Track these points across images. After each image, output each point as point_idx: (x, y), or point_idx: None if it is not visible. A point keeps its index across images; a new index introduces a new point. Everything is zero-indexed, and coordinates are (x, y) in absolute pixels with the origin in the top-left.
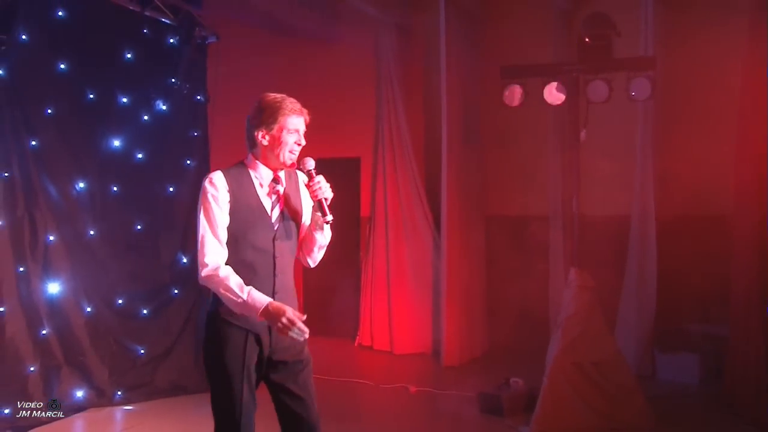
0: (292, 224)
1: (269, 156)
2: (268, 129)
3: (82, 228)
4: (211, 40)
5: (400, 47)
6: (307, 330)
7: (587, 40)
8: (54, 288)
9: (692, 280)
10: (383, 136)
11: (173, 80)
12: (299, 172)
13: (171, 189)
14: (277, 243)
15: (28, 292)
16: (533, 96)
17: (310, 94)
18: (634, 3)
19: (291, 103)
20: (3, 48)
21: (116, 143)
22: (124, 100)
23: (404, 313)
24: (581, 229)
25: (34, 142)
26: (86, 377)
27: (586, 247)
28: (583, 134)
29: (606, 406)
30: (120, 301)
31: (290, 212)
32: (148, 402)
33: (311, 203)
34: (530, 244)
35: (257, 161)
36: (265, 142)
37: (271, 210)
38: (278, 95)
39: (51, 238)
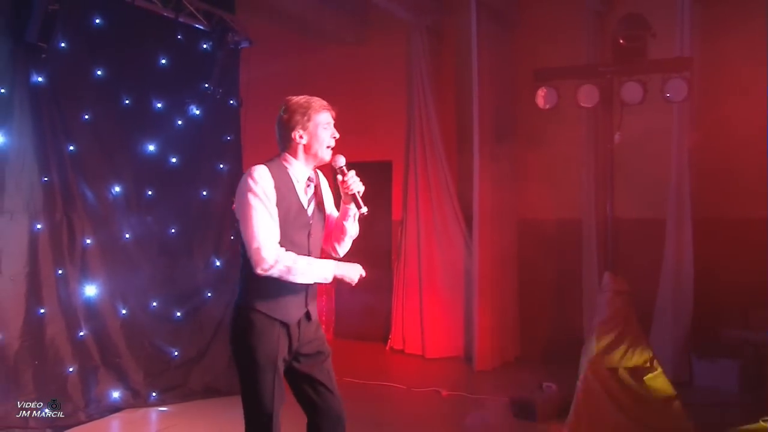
0: (322, 220)
1: (306, 154)
2: (305, 127)
3: (118, 231)
4: (244, 45)
5: (432, 50)
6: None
7: (621, 41)
8: (91, 290)
9: (731, 284)
10: (415, 140)
11: (206, 85)
12: (319, 171)
13: (204, 193)
14: (311, 239)
15: (67, 294)
16: (566, 98)
17: (341, 97)
18: (669, 3)
19: (319, 100)
20: (43, 56)
21: (151, 148)
22: (159, 105)
23: (436, 316)
24: (615, 232)
25: (72, 147)
26: (122, 378)
27: (621, 250)
28: (617, 136)
29: (641, 413)
30: (154, 304)
31: (320, 208)
32: (182, 403)
33: (331, 196)
34: (563, 248)
35: (294, 159)
36: (303, 141)
37: (307, 206)
38: (302, 96)
39: (88, 241)
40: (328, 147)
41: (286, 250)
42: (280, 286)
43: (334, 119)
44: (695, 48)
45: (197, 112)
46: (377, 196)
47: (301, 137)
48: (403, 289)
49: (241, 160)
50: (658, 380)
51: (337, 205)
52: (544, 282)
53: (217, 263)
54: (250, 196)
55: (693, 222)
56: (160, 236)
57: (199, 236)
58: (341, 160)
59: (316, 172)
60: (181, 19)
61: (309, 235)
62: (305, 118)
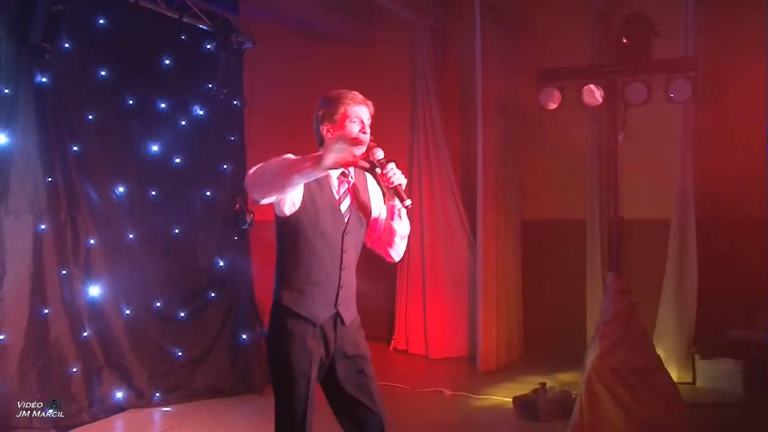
0: (361, 221)
1: None
2: (332, 122)
3: (122, 232)
4: (248, 45)
5: (436, 51)
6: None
7: (625, 41)
8: (95, 291)
9: (735, 285)
10: (419, 140)
11: (210, 85)
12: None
13: (208, 193)
14: (345, 237)
15: (71, 294)
16: (570, 99)
17: None
18: (673, 3)
19: (352, 94)
20: (48, 57)
21: (155, 148)
22: (163, 105)
23: (440, 317)
24: (619, 233)
25: (75, 148)
26: (126, 379)
27: (625, 251)
28: (621, 137)
29: (645, 413)
30: (158, 304)
31: (359, 207)
32: (186, 404)
33: (381, 199)
34: (567, 248)
35: None
36: (330, 135)
37: (341, 202)
38: (338, 90)
39: (92, 241)
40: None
41: (318, 246)
42: (305, 281)
43: (372, 115)
44: (699, 48)
45: (201, 113)
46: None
47: (328, 131)
48: (406, 289)
49: (244, 161)
50: (661, 381)
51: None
52: (548, 282)
53: (221, 263)
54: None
55: (697, 222)
56: (164, 237)
57: (203, 237)
58: (380, 153)
59: (362, 172)
60: (185, 20)
61: (344, 233)
62: (333, 110)
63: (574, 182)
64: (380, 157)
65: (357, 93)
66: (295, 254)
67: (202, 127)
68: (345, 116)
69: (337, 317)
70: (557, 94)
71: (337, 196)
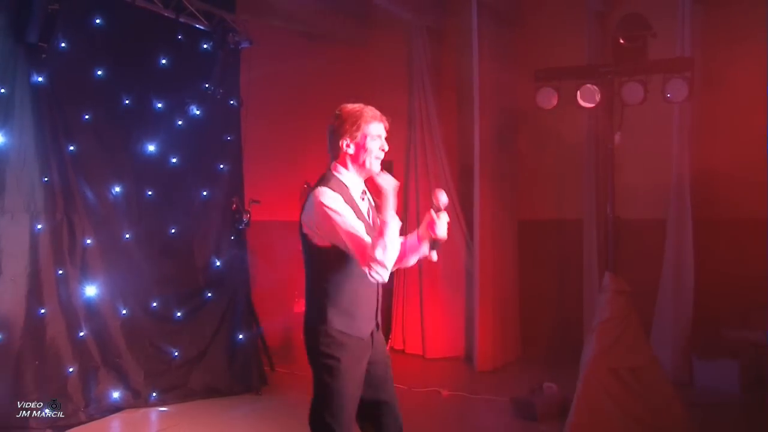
0: None
1: (354, 164)
2: (353, 137)
3: (118, 232)
4: (245, 45)
5: (433, 51)
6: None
7: (622, 41)
8: (91, 291)
9: (731, 285)
10: (416, 140)
11: (207, 85)
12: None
13: (205, 193)
14: None
15: (67, 294)
16: (567, 98)
17: (341, 98)
18: (670, 3)
19: (371, 110)
20: (44, 56)
21: (151, 148)
22: (159, 105)
23: (437, 316)
24: (616, 232)
25: (72, 147)
26: (122, 378)
27: (621, 250)
28: (617, 137)
29: (642, 413)
30: (154, 304)
31: (377, 219)
32: (183, 404)
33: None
34: (564, 248)
35: (344, 169)
36: (350, 151)
37: (369, 216)
38: (357, 105)
39: (88, 241)
40: (376, 158)
41: (355, 269)
42: (352, 303)
43: (387, 130)
44: (696, 48)
45: (198, 113)
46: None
47: (348, 146)
48: (403, 289)
49: (241, 161)
50: (658, 380)
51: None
52: (544, 282)
53: (218, 264)
54: (329, 210)
55: (693, 222)
56: (160, 236)
57: (200, 236)
58: (444, 198)
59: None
60: (181, 20)
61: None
62: (354, 127)
63: (571, 182)
64: (444, 202)
65: (374, 109)
66: (341, 280)
67: (199, 126)
68: (366, 134)
69: (376, 326)
70: (554, 94)
71: (367, 217)
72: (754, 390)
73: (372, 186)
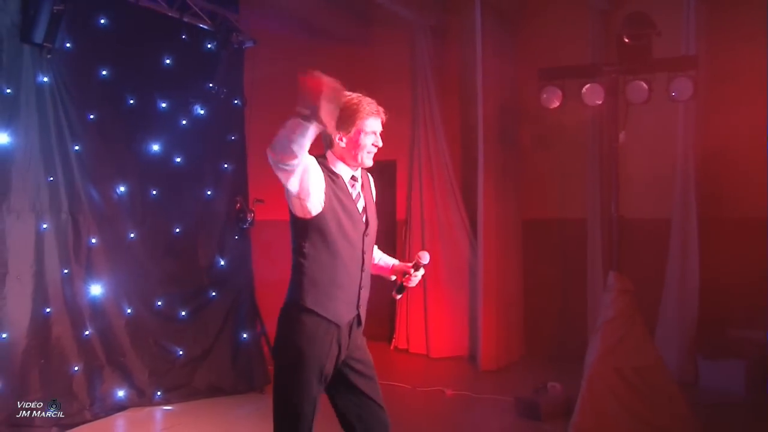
0: (374, 222)
1: (346, 156)
2: (346, 131)
3: (123, 231)
4: (248, 44)
5: (436, 50)
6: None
7: (626, 39)
8: (96, 290)
9: (737, 284)
10: (419, 139)
11: (211, 85)
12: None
13: (209, 192)
14: (365, 239)
15: (72, 293)
16: (571, 98)
17: None
18: (674, 1)
19: (368, 104)
20: (49, 56)
21: (155, 147)
22: (163, 105)
23: (440, 316)
24: (620, 232)
25: (77, 147)
26: (127, 377)
27: (626, 250)
28: (622, 136)
29: (647, 413)
30: (159, 303)
31: (370, 209)
32: (187, 402)
33: (374, 201)
34: (568, 247)
35: (336, 159)
36: (342, 144)
37: (356, 204)
38: (355, 96)
39: (93, 240)
40: (368, 153)
41: (340, 246)
42: (331, 283)
43: (383, 124)
44: (701, 46)
45: (202, 112)
46: (381, 195)
47: (341, 139)
48: (407, 289)
49: (245, 160)
50: (663, 380)
51: (380, 215)
52: (548, 281)
53: (222, 263)
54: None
55: (698, 221)
56: (164, 236)
57: (204, 236)
58: (426, 259)
59: (365, 172)
60: (185, 19)
61: (364, 234)
62: (349, 121)
63: (575, 181)
64: (425, 262)
65: (372, 102)
66: (319, 256)
67: (203, 126)
68: (360, 130)
69: (356, 318)
70: (558, 93)
71: (353, 198)
72: (759, 390)
73: None
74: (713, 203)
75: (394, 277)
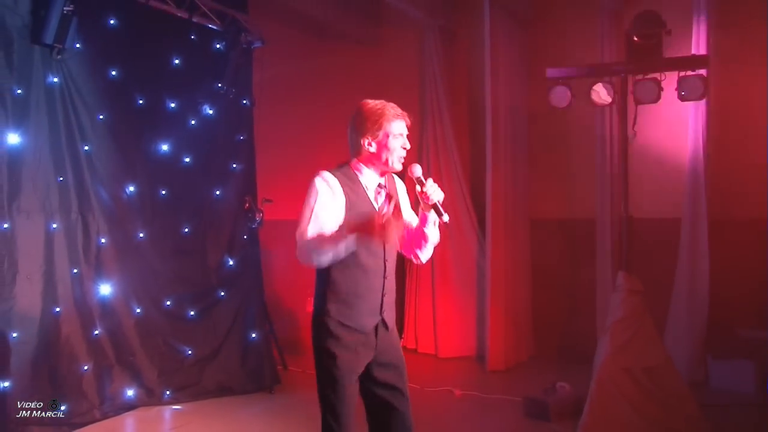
0: (399, 229)
1: (375, 161)
2: (374, 136)
3: (132, 231)
4: (257, 45)
5: (445, 50)
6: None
7: (636, 39)
8: (105, 289)
9: (747, 285)
10: (427, 139)
11: (220, 85)
12: (395, 176)
13: (218, 192)
14: (387, 246)
15: (82, 293)
16: (580, 97)
17: (354, 97)
18: (685, 0)
19: (393, 108)
20: (59, 57)
21: (164, 147)
22: (172, 105)
23: (449, 316)
24: (629, 231)
25: (86, 147)
26: (136, 377)
27: (635, 250)
28: (631, 135)
29: (656, 413)
30: (168, 303)
31: (395, 215)
32: (196, 402)
33: (408, 201)
34: (577, 247)
35: (363, 165)
36: (372, 149)
37: (380, 213)
38: (378, 102)
39: (102, 240)
40: (399, 156)
41: (362, 258)
42: (353, 293)
43: (408, 128)
44: (711, 46)
45: (210, 112)
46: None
47: (369, 144)
48: (415, 289)
49: (254, 160)
50: (672, 380)
51: (415, 209)
52: (557, 281)
53: (231, 263)
54: (314, 191)
55: (708, 221)
56: (173, 236)
57: (213, 236)
58: (418, 170)
59: (391, 177)
60: (194, 20)
61: (386, 242)
62: (376, 126)
63: (583, 181)
64: (418, 174)
65: (395, 106)
66: (340, 268)
67: (212, 126)
68: (388, 133)
69: (381, 323)
70: (567, 93)
71: (376, 207)
72: None
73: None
74: (723, 203)
75: (430, 213)
